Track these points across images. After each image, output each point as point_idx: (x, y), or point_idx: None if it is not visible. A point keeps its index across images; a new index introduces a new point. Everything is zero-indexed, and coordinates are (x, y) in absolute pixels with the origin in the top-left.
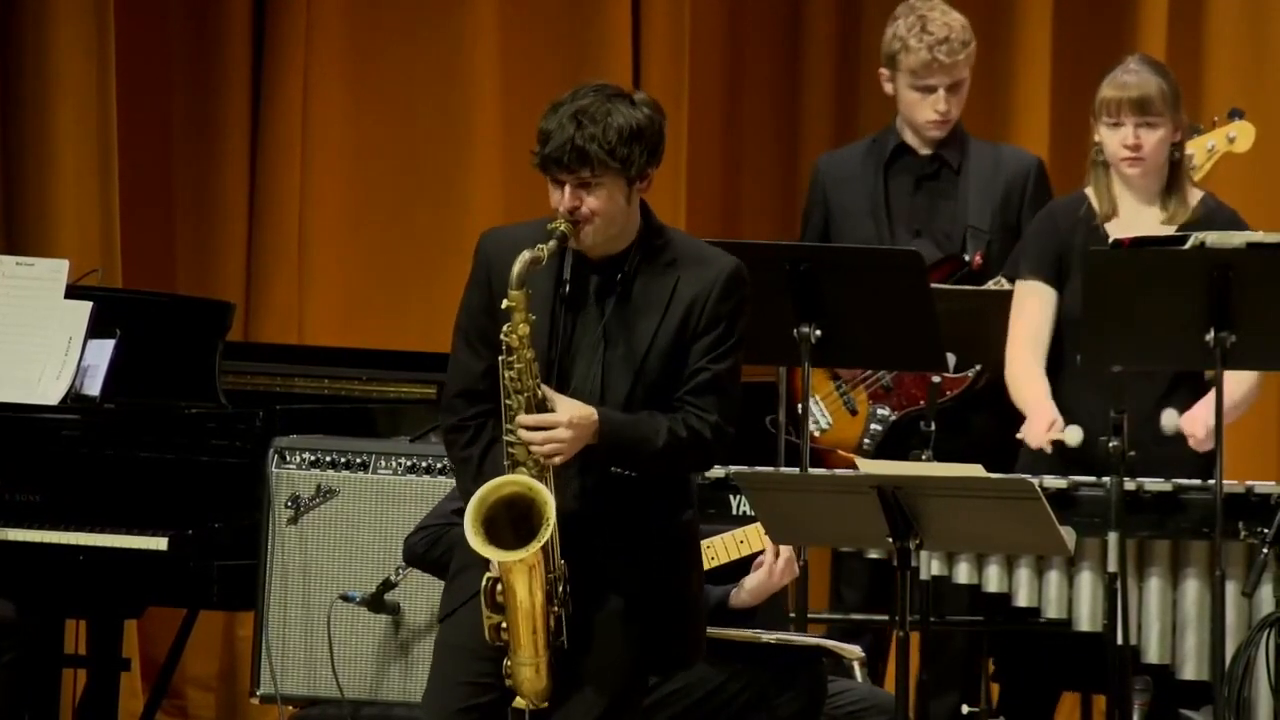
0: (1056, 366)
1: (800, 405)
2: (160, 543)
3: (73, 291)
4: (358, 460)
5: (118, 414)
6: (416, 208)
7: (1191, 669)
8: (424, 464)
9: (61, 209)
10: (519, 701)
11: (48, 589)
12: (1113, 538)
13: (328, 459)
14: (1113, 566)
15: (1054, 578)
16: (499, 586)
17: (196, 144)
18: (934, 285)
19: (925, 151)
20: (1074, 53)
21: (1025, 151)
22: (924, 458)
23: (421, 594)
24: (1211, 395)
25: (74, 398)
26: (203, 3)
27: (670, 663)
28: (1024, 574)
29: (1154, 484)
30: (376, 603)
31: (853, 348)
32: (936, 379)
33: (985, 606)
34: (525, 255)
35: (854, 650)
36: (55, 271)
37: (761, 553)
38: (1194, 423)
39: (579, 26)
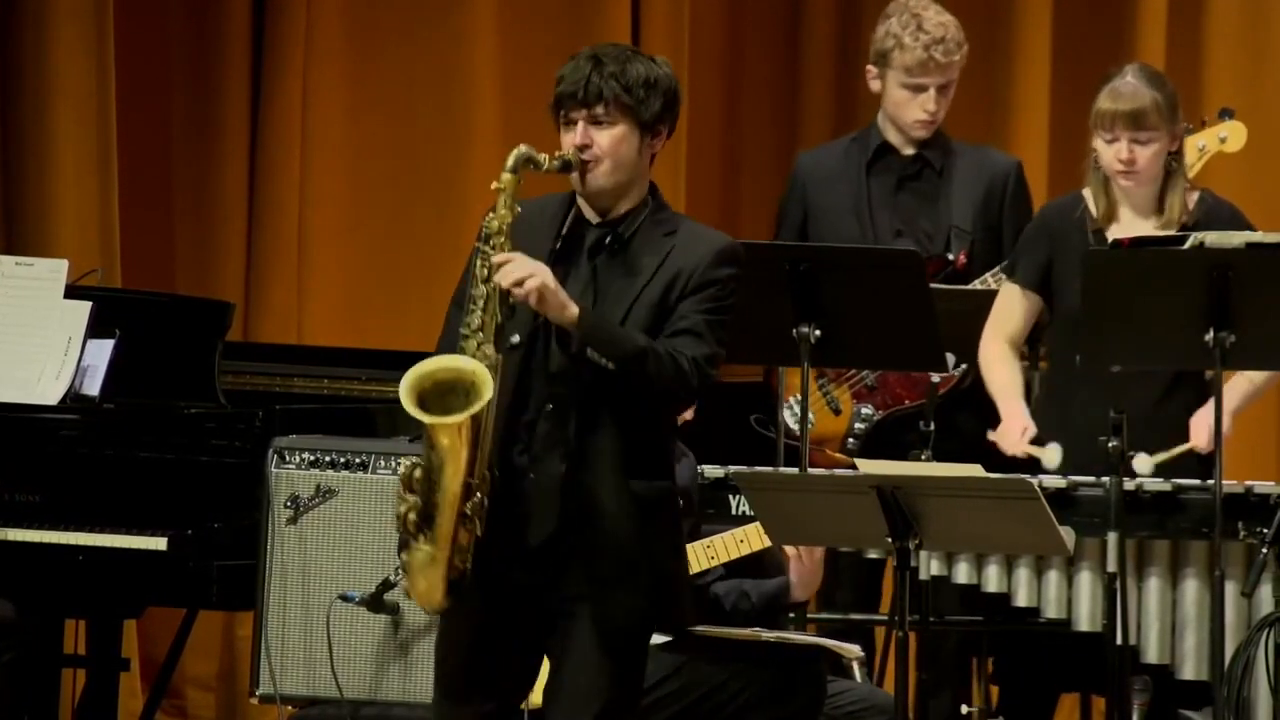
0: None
1: (800, 405)
2: (160, 543)
3: (72, 291)
4: (357, 460)
5: (117, 414)
6: (416, 208)
7: (1191, 669)
8: None
9: (61, 209)
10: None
11: (47, 589)
12: (1112, 538)
13: (327, 459)
14: (1112, 566)
15: (1053, 578)
16: (417, 471)
17: (196, 144)
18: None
19: (908, 152)
20: (1073, 53)
21: (1005, 154)
22: (924, 457)
23: None
24: (1227, 389)
25: (73, 398)
26: (202, 3)
27: (651, 622)
28: (1023, 574)
29: (1153, 484)
30: (376, 603)
31: (852, 348)
32: (936, 379)
33: (984, 606)
34: (522, 148)
35: (853, 650)
36: (55, 271)
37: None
38: (1198, 429)
39: (579, 26)
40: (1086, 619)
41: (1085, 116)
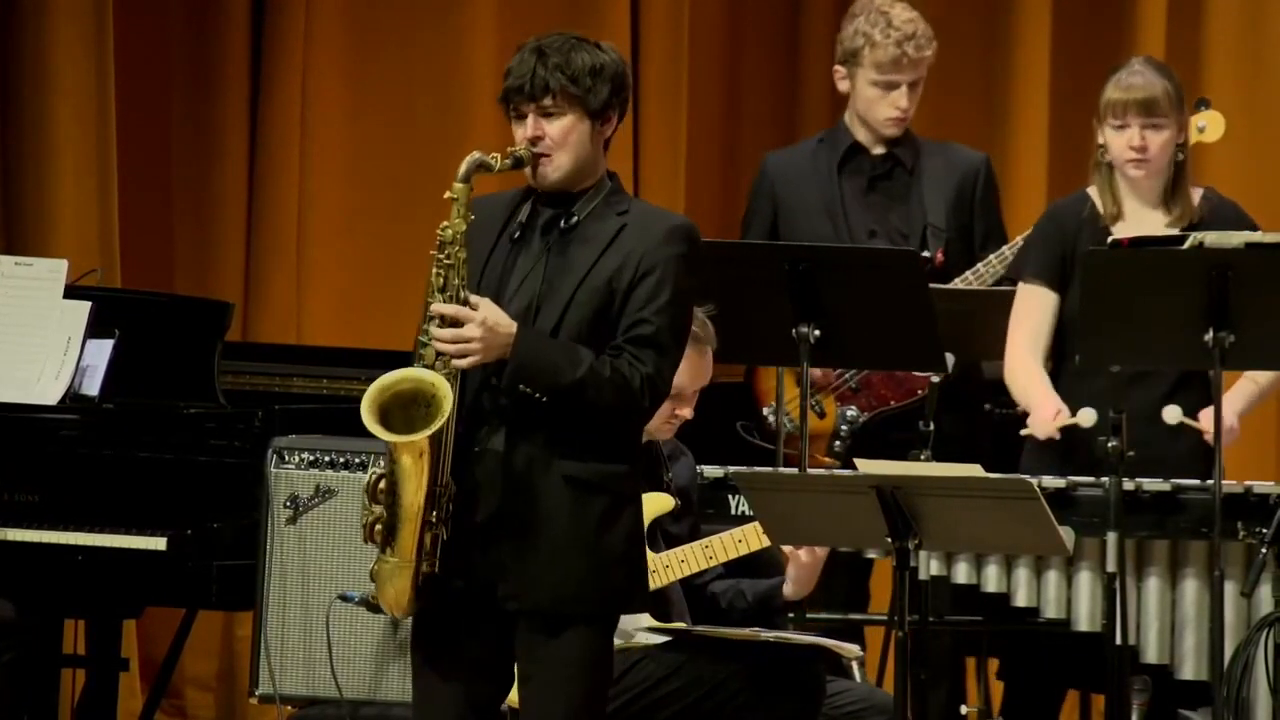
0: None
1: (789, 404)
2: (159, 543)
3: (72, 291)
4: (356, 460)
5: (116, 414)
6: (415, 208)
7: (1190, 669)
8: None
9: (60, 209)
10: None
11: (47, 589)
12: (1111, 538)
13: (326, 459)
14: (1111, 566)
15: (1053, 578)
16: (382, 483)
17: (195, 144)
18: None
19: (878, 151)
20: (1073, 52)
21: (973, 150)
22: (923, 457)
23: None
24: (1229, 394)
25: (73, 397)
26: (202, 3)
27: (590, 607)
28: (1023, 574)
29: (1153, 484)
30: (375, 603)
31: (852, 348)
32: (935, 379)
33: (984, 606)
34: (475, 154)
35: (853, 649)
36: (54, 271)
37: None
38: (1207, 420)
39: (579, 27)
40: (1086, 619)
41: (1086, 116)
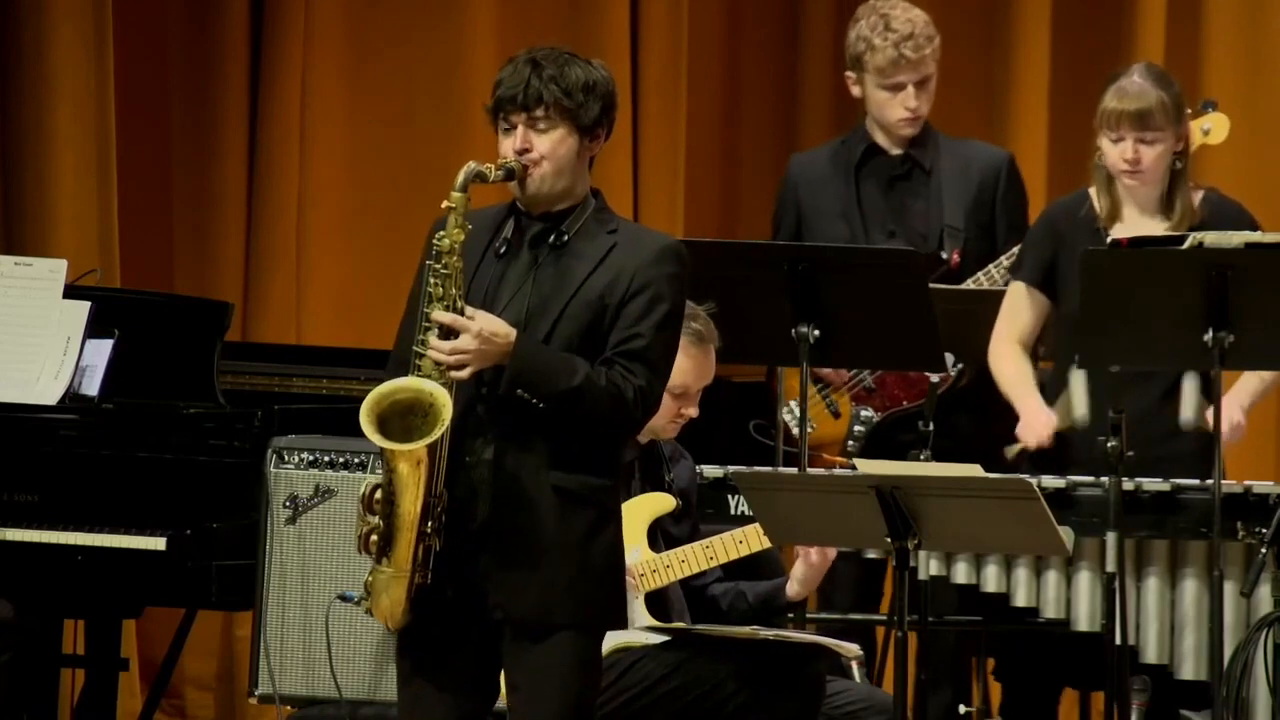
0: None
1: (799, 405)
2: (158, 543)
3: (71, 291)
4: (356, 460)
5: (116, 414)
6: (415, 208)
7: (1190, 669)
8: None
9: (60, 209)
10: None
11: (46, 589)
12: (1111, 538)
13: (326, 459)
14: (1111, 566)
15: (1052, 578)
16: (378, 493)
17: (195, 144)
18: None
19: (896, 152)
20: (1073, 52)
21: (995, 148)
22: (923, 457)
23: None
24: (1235, 389)
25: (72, 397)
26: (202, 3)
27: (576, 615)
28: (1022, 574)
29: (1152, 484)
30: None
31: (852, 348)
32: (935, 379)
33: (983, 606)
34: (471, 164)
35: (853, 649)
36: (54, 271)
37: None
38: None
39: (578, 26)
40: (1085, 619)
41: (1085, 116)
